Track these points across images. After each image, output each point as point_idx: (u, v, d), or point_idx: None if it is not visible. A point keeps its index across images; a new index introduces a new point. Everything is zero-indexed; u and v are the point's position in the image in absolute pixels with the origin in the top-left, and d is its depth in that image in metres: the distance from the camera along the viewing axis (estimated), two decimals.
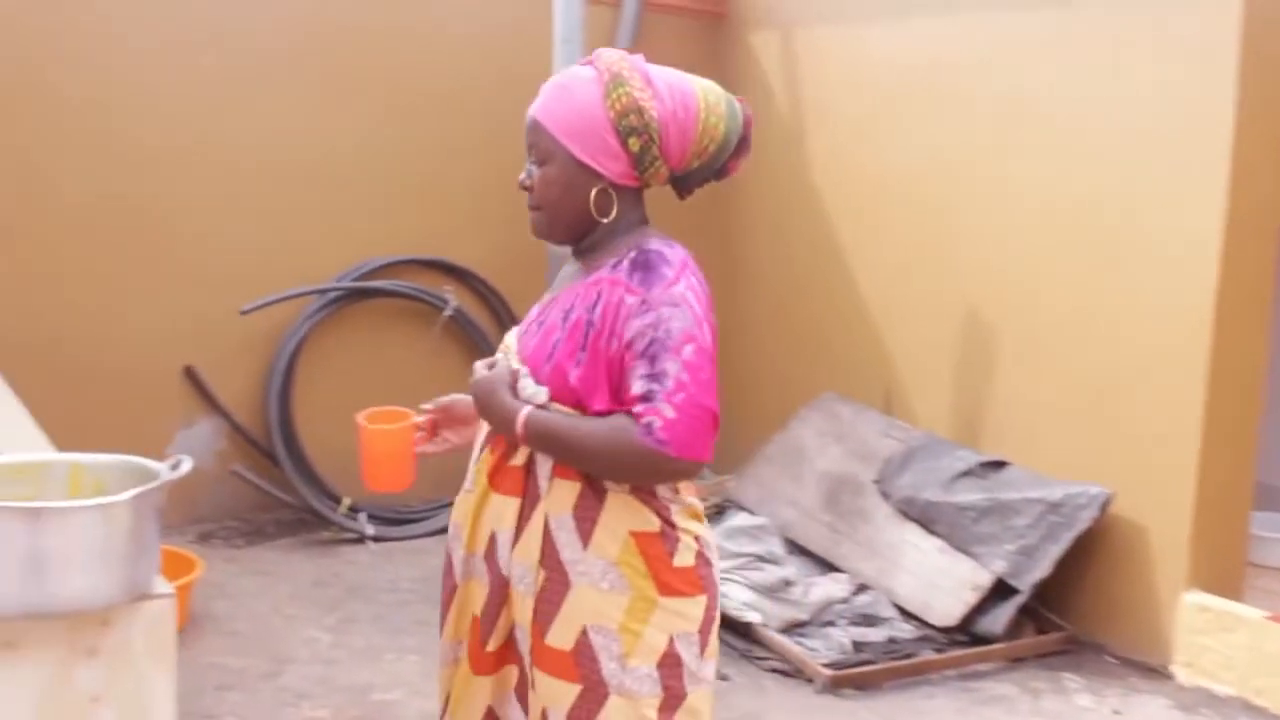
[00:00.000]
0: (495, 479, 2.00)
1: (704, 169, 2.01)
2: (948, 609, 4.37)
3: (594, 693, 1.92)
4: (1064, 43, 4.54)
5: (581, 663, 1.92)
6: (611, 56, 1.97)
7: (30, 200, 4.81)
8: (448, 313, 5.53)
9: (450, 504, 5.74)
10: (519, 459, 1.98)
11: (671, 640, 1.94)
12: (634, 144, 1.92)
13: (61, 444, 2.83)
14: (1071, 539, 4.27)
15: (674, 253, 1.94)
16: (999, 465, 4.66)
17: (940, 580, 4.45)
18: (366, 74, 5.35)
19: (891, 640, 4.31)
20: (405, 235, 5.52)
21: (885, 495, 4.81)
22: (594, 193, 1.95)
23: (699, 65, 6.07)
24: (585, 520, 1.93)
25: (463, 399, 2.21)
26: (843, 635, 4.30)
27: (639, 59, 1.99)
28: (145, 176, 5.00)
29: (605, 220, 1.97)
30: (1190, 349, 4.14)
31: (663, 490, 1.96)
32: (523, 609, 1.97)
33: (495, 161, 5.44)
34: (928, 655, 4.22)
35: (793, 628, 4.35)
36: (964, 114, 4.92)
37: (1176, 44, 4.16)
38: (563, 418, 1.91)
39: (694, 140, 1.95)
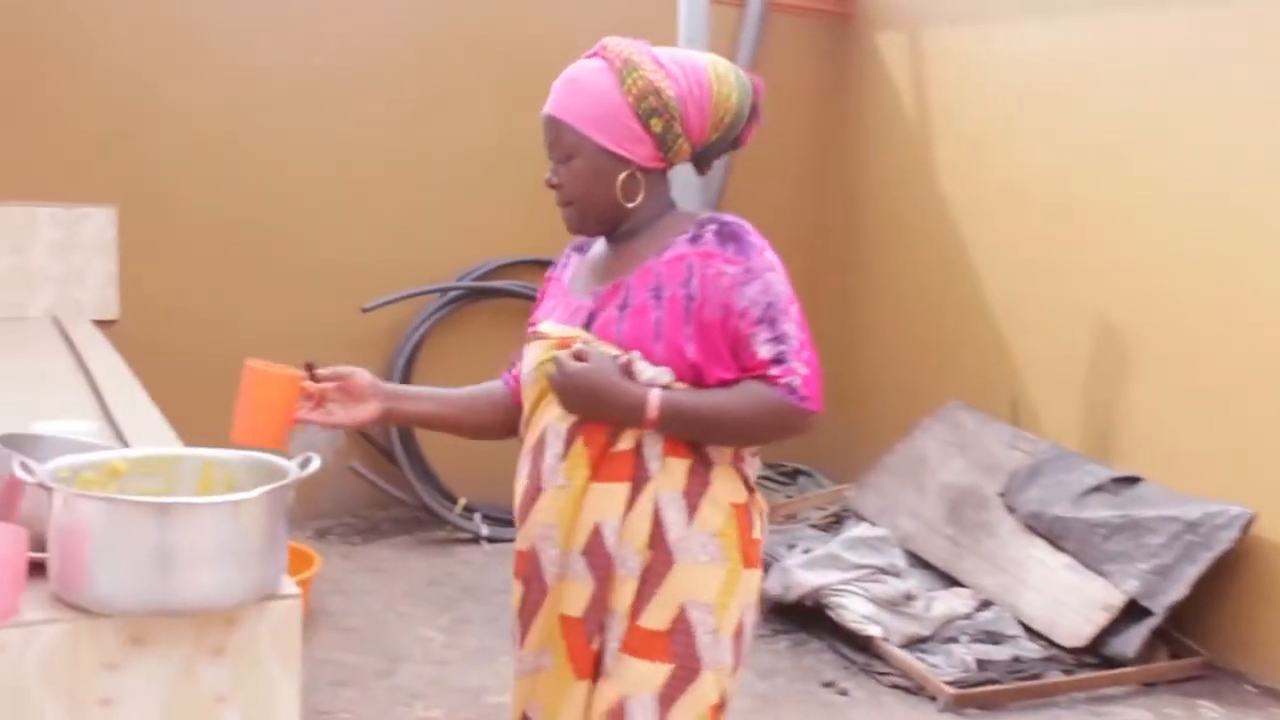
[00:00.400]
0: (600, 468, 1.94)
1: (721, 141, 2.04)
2: (1076, 629, 4.20)
3: (686, 669, 1.93)
4: (1206, 42, 4.36)
5: (677, 640, 1.93)
6: (619, 44, 2.02)
7: (157, 201, 4.90)
8: None
9: None
10: (626, 443, 1.93)
11: (743, 612, 1.99)
12: (656, 125, 1.95)
13: (189, 439, 2.85)
14: (1210, 560, 4.08)
15: (746, 222, 2.00)
16: (1132, 481, 4.48)
17: (1069, 599, 4.29)
18: (488, 73, 5.37)
19: (1016, 659, 4.17)
20: (527, 234, 5.50)
21: (1011, 509, 4.66)
22: (621, 178, 1.97)
23: (823, 65, 6.03)
24: (694, 495, 1.94)
25: (359, 373, 2.12)
26: (966, 652, 4.16)
27: (645, 43, 2.03)
28: (267, 175, 5.07)
29: (632, 205, 1.99)
30: None
31: (746, 456, 2.01)
32: (624, 593, 1.94)
33: None
34: (1055, 676, 4.06)
35: (914, 643, 4.23)
36: (1098, 115, 4.75)
37: None
38: (694, 393, 1.91)
39: (711, 113, 1.99)
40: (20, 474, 1.49)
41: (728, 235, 1.95)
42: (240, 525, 1.46)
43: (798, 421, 1.93)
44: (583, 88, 1.99)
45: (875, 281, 5.95)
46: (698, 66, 2.00)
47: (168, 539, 1.43)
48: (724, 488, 1.97)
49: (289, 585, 1.59)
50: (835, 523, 5.18)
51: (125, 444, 2.30)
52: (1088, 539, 4.35)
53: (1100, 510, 4.39)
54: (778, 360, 1.90)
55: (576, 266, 2.14)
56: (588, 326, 1.99)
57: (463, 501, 5.33)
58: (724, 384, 1.92)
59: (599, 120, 1.96)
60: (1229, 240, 4.30)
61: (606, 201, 1.99)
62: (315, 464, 1.57)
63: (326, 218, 5.18)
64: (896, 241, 5.82)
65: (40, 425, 2.12)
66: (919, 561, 4.75)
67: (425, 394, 2.22)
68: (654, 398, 1.88)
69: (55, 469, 1.56)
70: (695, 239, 1.96)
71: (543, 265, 5.55)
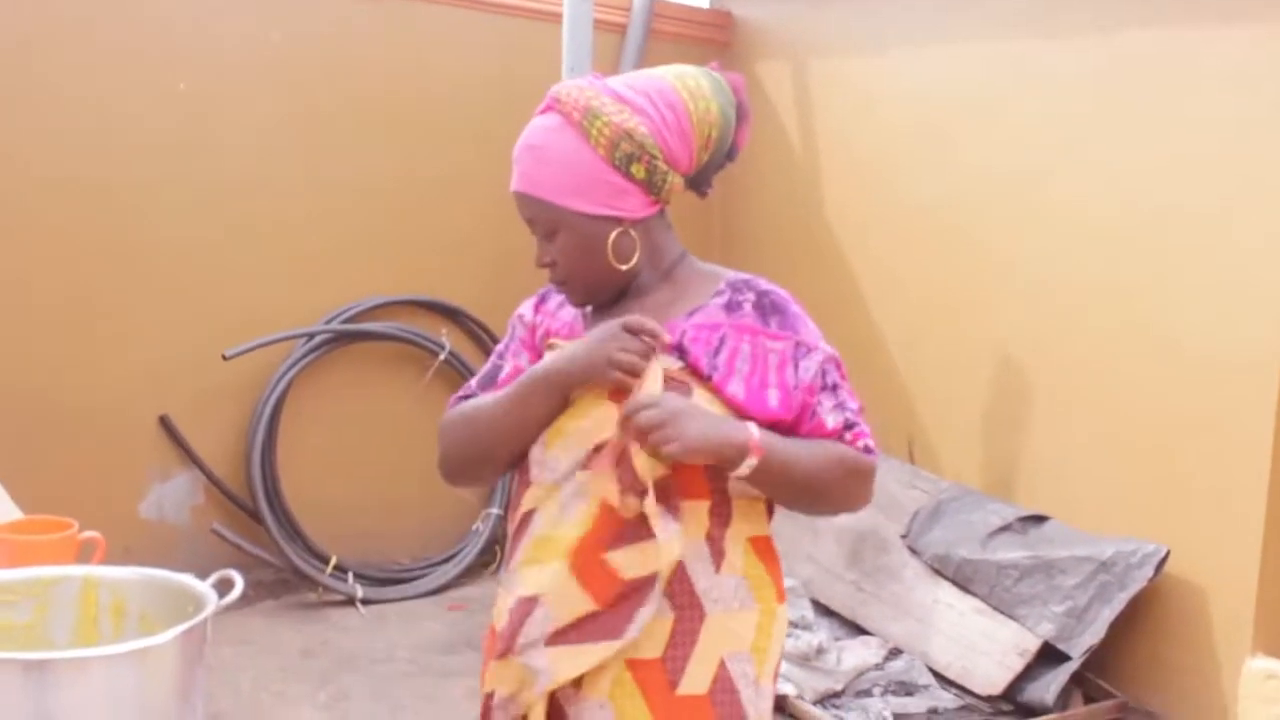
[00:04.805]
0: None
1: (715, 157, 1.84)
2: (992, 676, 4.05)
3: None
4: (1106, 72, 4.28)
5: (719, 701, 1.76)
6: (571, 91, 1.75)
7: None
8: (442, 357, 5.17)
9: (442, 561, 5.25)
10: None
11: (781, 651, 1.88)
12: (638, 171, 1.73)
13: (25, 500, 2.47)
14: (1125, 600, 3.96)
15: (782, 289, 1.87)
16: (1039, 520, 4.36)
17: (982, 644, 4.14)
18: (357, 107, 5.00)
19: (933, 711, 4.01)
20: (396, 274, 5.16)
21: (914, 551, 4.50)
22: (611, 241, 1.75)
23: None
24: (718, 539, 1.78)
25: None
26: (882, 706, 3.98)
27: (598, 79, 1.79)
28: (120, 209, 4.61)
29: (628, 265, 1.77)
30: (1255, 390, 3.81)
31: None
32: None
33: (491, 196, 5.09)
34: None
35: (827, 698, 4.03)
36: (995, 145, 4.64)
37: (1241, 71, 3.89)
38: (780, 436, 1.75)
39: (695, 135, 1.77)
40: None
41: (770, 308, 1.81)
42: (146, 679, 1.13)
43: (872, 483, 1.84)
44: (546, 154, 1.74)
45: None
46: (664, 88, 1.76)
47: (48, 704, 1.09)
48: (742, 525, 1.81)
49: None
50: None
51: None
52: (998, 582, 4.21)
53: (1009, 551, 4.25)
54: (849, 425, 1.80)
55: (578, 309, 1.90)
56: None
57: (334, 561, 4.95)
58: None
59: (574, 186, 1.72)
60: (1131, 272, 4.21)
61: (605, 269, 1.77)
62: (238, 589, 1.26)
63: (183, 255, 4.73)
64: (781, 275, 5.57)
65: None
66: (821, 609, 4.57)
67: None
68: (753, 428, 1.70)
69: None
70: (731, 306, 1.80)
71: (414, 305, 5.22)
